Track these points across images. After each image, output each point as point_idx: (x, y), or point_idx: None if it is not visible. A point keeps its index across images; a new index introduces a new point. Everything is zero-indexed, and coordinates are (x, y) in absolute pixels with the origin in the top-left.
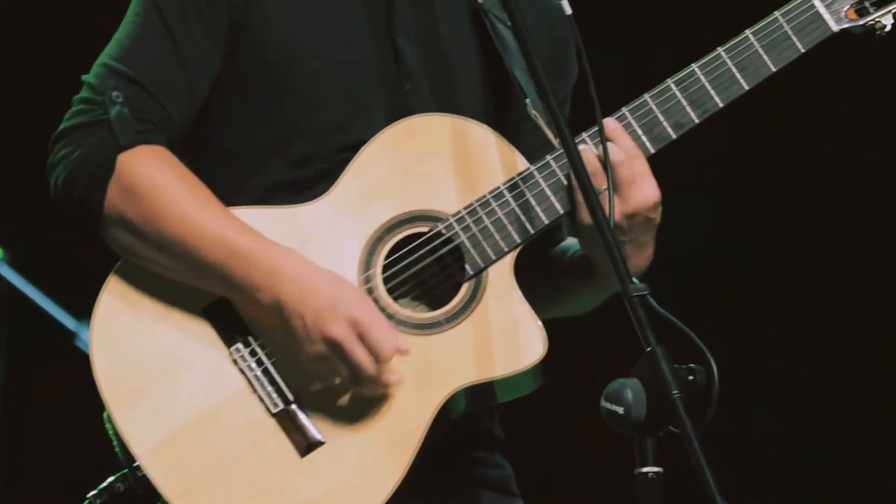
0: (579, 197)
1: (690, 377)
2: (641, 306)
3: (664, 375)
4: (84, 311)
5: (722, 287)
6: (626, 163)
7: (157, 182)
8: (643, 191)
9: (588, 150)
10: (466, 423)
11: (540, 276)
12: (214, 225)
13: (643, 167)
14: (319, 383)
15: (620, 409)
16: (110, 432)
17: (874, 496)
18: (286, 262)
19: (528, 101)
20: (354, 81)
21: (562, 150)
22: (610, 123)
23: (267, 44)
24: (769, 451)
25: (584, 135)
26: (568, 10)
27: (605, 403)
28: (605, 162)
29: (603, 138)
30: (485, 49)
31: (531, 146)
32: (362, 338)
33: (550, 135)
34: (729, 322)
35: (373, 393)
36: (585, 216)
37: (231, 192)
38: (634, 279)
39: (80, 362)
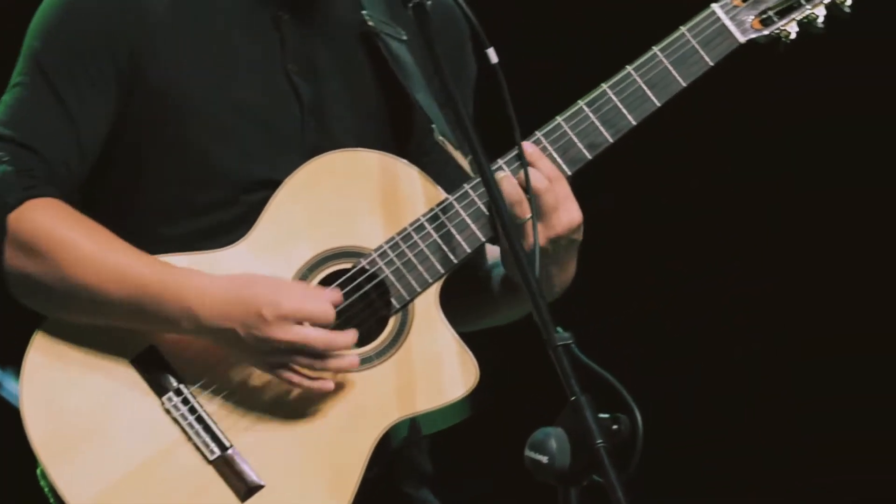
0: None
1: (615, 426)
2: (566, 355)
3: (588, 424)
4: (6, 359)
5: (644, 292)
6: (549, 189)
7: (53, 234)
8: (568, 213)
9: (508, 179)
10: (394, 457)
11: (469, 292)
12: (118, 264)
13: (565, 189)
14: (254, 418)
15: (544, 459)
16: (46, 490)
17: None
18: (192, 287)
19: (434, 126)
20: (257, 124)
21: (479, 179)
22: (528, 147)
23: (161, 93)
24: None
25: (501, 161)
26: (494, 59)
27: (529, 452)
28: (527, 189)
29: (526, 169)
30: (381, 72)
31: (437, 163)
32: (300, 321)
33: (460, 159)
34: (650, 326)
35: (340, 365)
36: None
37: (147, 245)
38: (559, 328)
39: (5, 412)
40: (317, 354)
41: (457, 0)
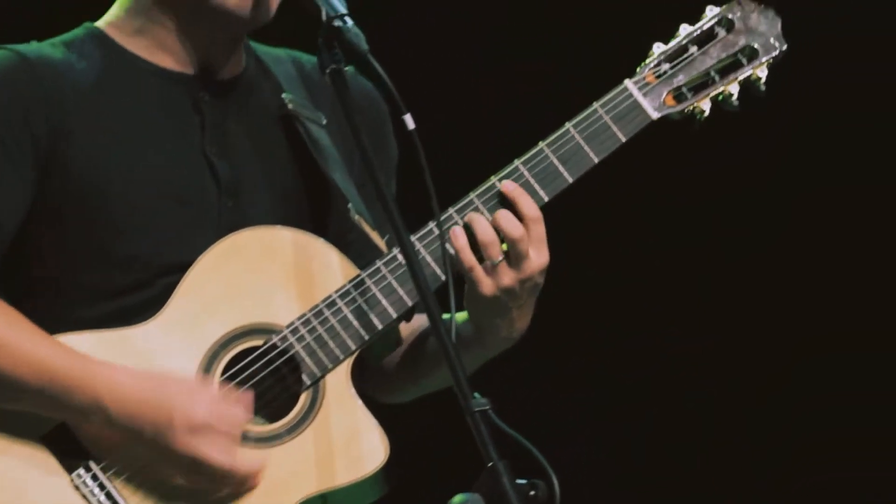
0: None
1: (532, 492)
2: (483, 421)
3: (506, 490)
4: None
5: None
6: (523, 237)
7: None
8: (539, 256)
9: (479, 220)
10: None
11: (395, 362)
12: (31, 351)
13: (541, 232)
14: (163, 496)
15: None
16: None
17: None
18: (104, 380)
19: (350, 206)
20: (174, 206)
21: (391, 255)
22: (508, 185)
23: (80, 173)
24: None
25: (414, 237)
26: (411, 125)
27: None
28: (471, 247)
29: (444, 247)
30: (300, 154)
31: (357, 242)
32: (206, 438)
33: (376, 238)
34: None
35: (239, 487)
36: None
37: (58, 325)
38: (476, 394)
39: None
40: (216, 476)
41: (370, 63)
